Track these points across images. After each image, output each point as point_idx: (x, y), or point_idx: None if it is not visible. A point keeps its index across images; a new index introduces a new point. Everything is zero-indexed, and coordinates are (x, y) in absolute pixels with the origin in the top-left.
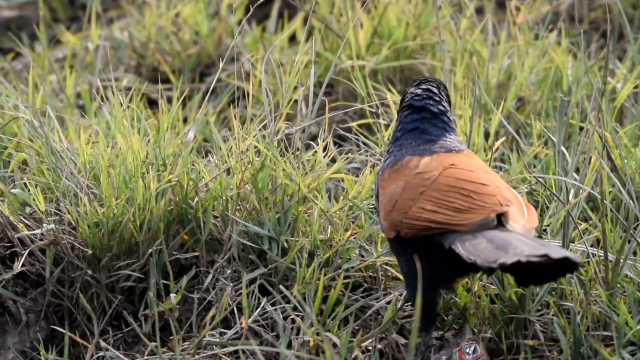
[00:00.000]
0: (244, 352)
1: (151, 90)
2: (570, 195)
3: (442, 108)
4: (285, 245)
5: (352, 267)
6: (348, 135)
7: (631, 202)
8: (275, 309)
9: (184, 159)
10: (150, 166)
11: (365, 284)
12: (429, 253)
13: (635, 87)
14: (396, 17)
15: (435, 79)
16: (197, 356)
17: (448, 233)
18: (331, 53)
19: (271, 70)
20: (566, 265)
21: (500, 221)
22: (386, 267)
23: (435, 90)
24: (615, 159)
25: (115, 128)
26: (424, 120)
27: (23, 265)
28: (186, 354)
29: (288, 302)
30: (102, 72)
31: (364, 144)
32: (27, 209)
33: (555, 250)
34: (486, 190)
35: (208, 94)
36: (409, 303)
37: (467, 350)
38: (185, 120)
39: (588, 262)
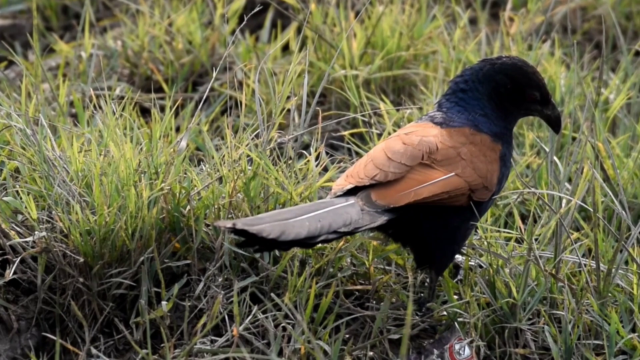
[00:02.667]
0: (235, 359)
1: (144, 99)
2: (562, 205)
3: (466, 86)
4: (277, 253)
5: (344, 276)
6: (340, 144)
7: (623, 212)
8: (267, 317)
9: (177, 167)
10: (142, 174)
11: (357, 292)
12: None
13: (628, 97)
14: (390, 27)
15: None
16: None
17: None
18: (324, 63)
19: (264, 79)
20: None
21: None
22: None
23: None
24: (607, 169)
25: (108, 136)
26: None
27: (15, 272)
28: None
29: (279, 310)
30: (95, 80)
31: (356, 153)
32: (19, 217)
33: None
34: None
35: (201, 103)
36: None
37: (459, 350)
38: (177, 129)
39: (580, 271)
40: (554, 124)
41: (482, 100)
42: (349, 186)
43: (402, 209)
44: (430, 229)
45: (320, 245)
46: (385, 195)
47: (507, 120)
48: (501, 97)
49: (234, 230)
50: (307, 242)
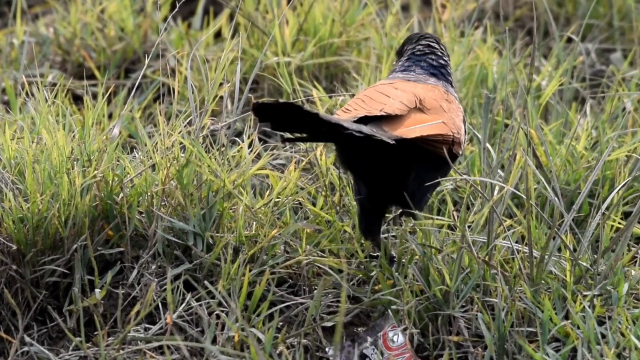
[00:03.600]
0: (168, 347)
1: (76, 86)
2: (495, 192)
3: (442, 62)
4: (210, 241)
5: (277, 264)
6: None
7: (556, 199)
8: (200, 305)
9: (109, 154)
10: (75, 162)
11: (290, 280)
12: None
13: (560, 84)
14: (322, 14)
15: (432, 35)
16: (121, 351)
17: None
18: (257, 50)
19: (197, 66)
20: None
21: None
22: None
23: (435, 45)
24: (540, 156)
25: (40, 124)
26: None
27: None
28: (111, 349)
29: (213, 297)
30: (27, 68)
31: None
32: None
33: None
34: None
35: (133, 90)
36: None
37: (392, 337)
38: (110, 116)
39: (513, 258)
40: None
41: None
42: (361, 114)
43: (407, 147)
44: (417, 172)
45: (349, 137)
46: (395, 128)
47: None
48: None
49: (277, 106)
50: (339, 129)
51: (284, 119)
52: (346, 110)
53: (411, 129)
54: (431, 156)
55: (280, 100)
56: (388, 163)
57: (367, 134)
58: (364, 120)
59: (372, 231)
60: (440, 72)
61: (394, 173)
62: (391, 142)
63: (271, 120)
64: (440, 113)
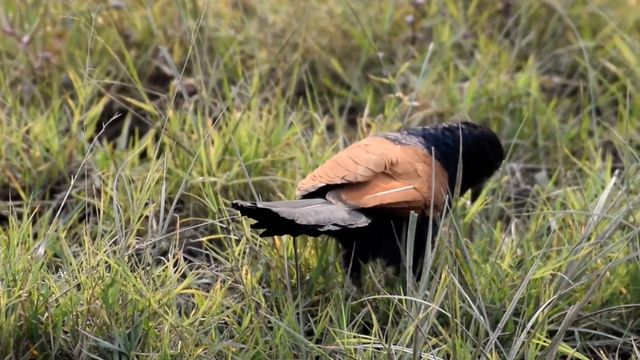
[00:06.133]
0: None
1: (1, 206)
2: (421, 311)
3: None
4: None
5: None
6: (199, 250)
7: (481, 317)
8: None
9: (34, 274)
10: (0, 282)
11: None
12: None
13: (486, 203)
14: (247, 134)
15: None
16: None
17: None
18: (182, 169)
19: (122, 186)
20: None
21: None
22: None
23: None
24: (465, 274)
25: None
26: None
27: None
28: None
29: None
30: None
31: (215, 259)
32: None
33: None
34: None
35: (59, 211)
36: None
37: None
38: (35, 236)
39: None
40: (479, 194)
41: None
42: (320, 184)
43: (372, 213)
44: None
45: (324, 235)
46: (354, 196)
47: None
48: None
49: (255, 210)
50: (315, 229)
51: (264, 221)
52: (313, 178)
53: (371, 198)
54: (402, 219)
55: (260, 204)
56: (359, 231)
57: (342, 226)
58: (326, 188)
59: (357, 270)
60: (432, 136)
61: (365, 239)
62: (353, 228)
63: (254, 219)
64: (413, 178)
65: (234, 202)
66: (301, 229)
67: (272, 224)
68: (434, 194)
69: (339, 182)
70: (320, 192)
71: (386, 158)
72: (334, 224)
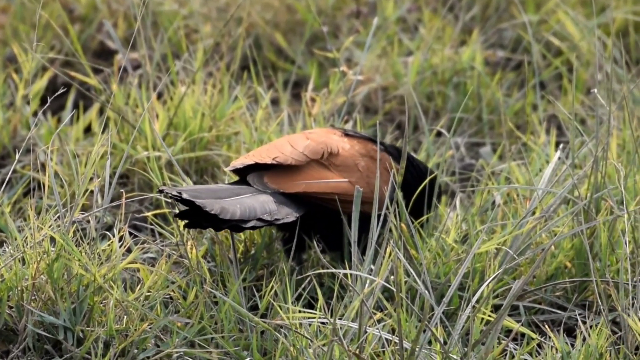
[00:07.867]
0: None
1: None
2: (366, 285)
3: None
4: (81, 335)
5: (148, 357)
6: (144, 225)
7: (426, 291)
8: None
9: None
10: None
11: None
12: None
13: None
14: (192, 108)
15: None
16: None
17: None
18: (127, 144)
19: (67, 161)
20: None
21: None
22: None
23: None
24: (410, 248)
25: None
26: None
27: None
28: None
29: None
30: None
31: (160, 233)
32: None
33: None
34: None
35: (3, 185)
36: None
37: None
38: None
39: (383, 351)
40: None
41: None
42: (249, 162)
43: (301, 204)
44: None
45: (250, 230)
46: (278, 180)
47: None
48: None
49: (180, 199)
50: (239, 224)
51: (187, 212)
52: (246, 157)
53: (296, 184)
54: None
55: (185, 194)
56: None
57: (267, 221)
58: (254, 167)
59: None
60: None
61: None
62: (278, 223)
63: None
64: (351, 172)
65: (160, 187)
66: (224, 224)
67: (195, 215)
68: (373, 190)
69: (269, 162)
70: (251, 171)
71: (325, 147)
72: (259, 219)
